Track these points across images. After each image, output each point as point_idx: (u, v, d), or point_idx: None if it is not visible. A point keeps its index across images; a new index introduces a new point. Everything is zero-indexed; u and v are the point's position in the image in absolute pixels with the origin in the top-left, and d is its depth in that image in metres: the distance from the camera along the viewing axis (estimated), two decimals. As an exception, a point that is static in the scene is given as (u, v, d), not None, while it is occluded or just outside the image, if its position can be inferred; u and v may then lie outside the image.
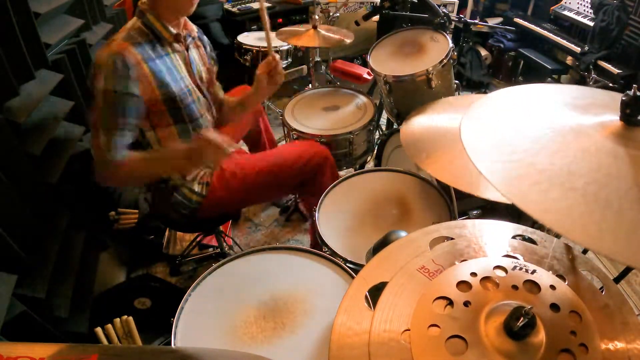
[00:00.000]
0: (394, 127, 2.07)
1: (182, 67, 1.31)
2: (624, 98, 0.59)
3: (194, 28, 1.38)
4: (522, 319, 0.54)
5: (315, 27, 2.17)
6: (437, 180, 1.37)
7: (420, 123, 1.31)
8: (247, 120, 1.82)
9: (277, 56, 1.44)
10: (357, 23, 2.12)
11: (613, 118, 0.62)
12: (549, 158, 0.59)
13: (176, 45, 1.28)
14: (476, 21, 2.05)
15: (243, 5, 3.22)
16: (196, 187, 1.40)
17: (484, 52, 3.82)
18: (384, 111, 2.10)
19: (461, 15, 2.05)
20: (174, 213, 1.42)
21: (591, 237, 0.50)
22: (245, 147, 2.01)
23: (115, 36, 1.19)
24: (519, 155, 0.61)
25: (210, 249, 2.02)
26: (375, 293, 0.66)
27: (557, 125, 0.65)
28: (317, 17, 2.24)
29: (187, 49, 1.34)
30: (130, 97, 1.15)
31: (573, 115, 0.67)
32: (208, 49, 1.47)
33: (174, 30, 1.26)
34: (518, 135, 0.65)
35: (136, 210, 1.92)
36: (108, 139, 1.14)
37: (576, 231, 0.51)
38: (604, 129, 0.62)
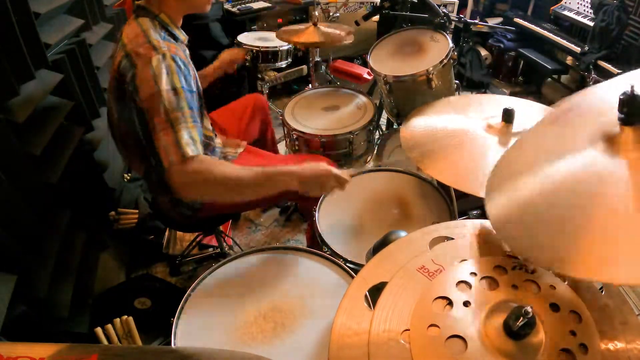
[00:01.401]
0: (394, 127, 2.07)
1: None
2: (621, 97, 0.59)
3: None
4: (521, 318, 0.54)
5: (315, 24, 2.17)
6: (437, 180, 1.37)
7: (420, 124, 1.31)
8: (255, 127, 1.84)
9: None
10: (357, 23, 2.11)
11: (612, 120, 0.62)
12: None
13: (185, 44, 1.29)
14: (476, 21, 2.05)
15: (243, 5, 3.21)
16: None
17: (484, 52, 3.82)
18: (384, 111, 2.10)
19: (461, 15, 2.05)
20: (175, 213, 1.42)
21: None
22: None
23: (148, 38, 1.11)
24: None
25: (210, 249, 2.02)
26: (375, 293, 0.66)
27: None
28: (317, 13, 2.23)
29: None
30: (192, 94, 1.11)
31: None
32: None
33: (184, 34, 1.27)
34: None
35: (136, 210, 1.93)
36: (186, 133, 1.05)
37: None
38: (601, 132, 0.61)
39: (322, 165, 1.15)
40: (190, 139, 1.05)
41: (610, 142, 0.59)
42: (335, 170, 1.15)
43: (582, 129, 0.65)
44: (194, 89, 1.15)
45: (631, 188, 0.53)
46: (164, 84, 1.05)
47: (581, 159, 0.60)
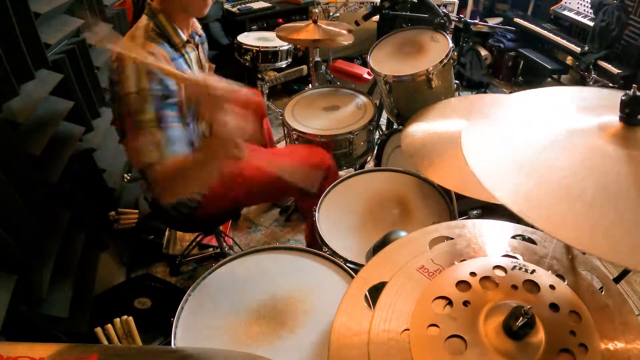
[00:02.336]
0: (394, 127, 2.07)
1: (195, 67, 1.31)
2: (623, 98, 0.59)
3: (198, 25, 1.37)
4: (521, 318, 0.54)
5: (315, 22, 2.17)
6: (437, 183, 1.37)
7: (420, 129, 1.31)
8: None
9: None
10: (357, 23, 2.11)
11: (613, 118, 0.62)
12: (550, 161, 0.59)
13: (187, 47, 1.28)
14: (476, 21, 2.05)
15: (243, 5, 3.22)
16: None
17: (484, 52, 3.82)
18: (384, 111, 2.10)
19: (461, 15, 2.05)
20: (173, 211, 1.42)
21: (590, 239, 0.50)
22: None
23: (132, 33, 1.13)
24: (518, 159, 0.61)
25: (210, 249, 2.02)
26: (374, 293, 0.66)
27: (557, 129, 0.65)
28: (317, 11, 2.23)
29: (197, 47, 1.34)
30: (168, 90, 1.09)
31: (572, 118, 0.67)
32: (206, 45, 1.47)
33: (184, 36, 1.24)
34: (519, 143, 0.65)
35: (136, 210, 1.92)
36: (155, 137, 1.04)
37: (575, 235, 0.51)
38: (603, 130, 0.61)
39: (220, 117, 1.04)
40: (151, 144, 1.04)
41: (613, 139, 0.59)
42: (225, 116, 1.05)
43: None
44: (171, 87, 1.09)
45: (630, 181, 0.53)
46: (131, 85, 1.04)
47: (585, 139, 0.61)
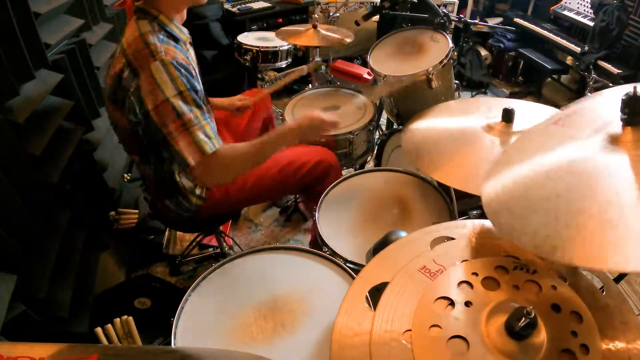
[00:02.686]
0: (394, 127, 2.07)
1: (195, 64, 1.31)
2: (624, 98, 0.59)
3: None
4: (523, 319, 0.54)
5: (315, 27, 2.17)
6: (437, 180, 1.37)
7: (420, 127, 1.31)
8: (258, 124, 1.84)
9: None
10: (357, 23, 2.11)
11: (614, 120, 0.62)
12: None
13: (188, 44, 1.29)
14: (476, 21, 2.05)
15: (243, 5, 3.21)
16: (197, 191, 1.39)
17: (484, 52, 3.82)
18: (384, 111, 2.10)
19: (461, 15, 2.05)
20: (173, 214, 1.43)
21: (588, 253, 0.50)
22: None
23: (146, 42, 1.10)
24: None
25: (210, 249, 2.02)
26: (375, 293, 0.66)
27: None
28: (316, 16, 2.24)
29: (191, 44, 1.34)
30: (197, 93, 1.14)
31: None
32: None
33: (186, 32, 1.26)
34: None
35: (136, 210, 1.92)
36: (201, 132, 1.11)
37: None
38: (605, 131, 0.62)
39: (312, 114, 1.31)
40: (205, 137, 1.12)
41: (612, 140, 0.59)
42: (323, 115, 1.32)
43: (584, 128, 0.65)
44: (198, 88, 1.16)
45: (634, 181, 0.53)
46: (170, 91, 1.08)
47: (582, 153, 0.61)
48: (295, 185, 1.52)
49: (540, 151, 0.69)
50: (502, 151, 0.76)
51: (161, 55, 1.09)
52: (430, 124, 1.30)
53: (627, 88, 0.59)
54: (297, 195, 2.22)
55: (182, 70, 1.11)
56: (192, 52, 1.33)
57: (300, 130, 1.28)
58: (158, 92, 1.07)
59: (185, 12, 1.27)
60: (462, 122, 1.20)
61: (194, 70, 1.22)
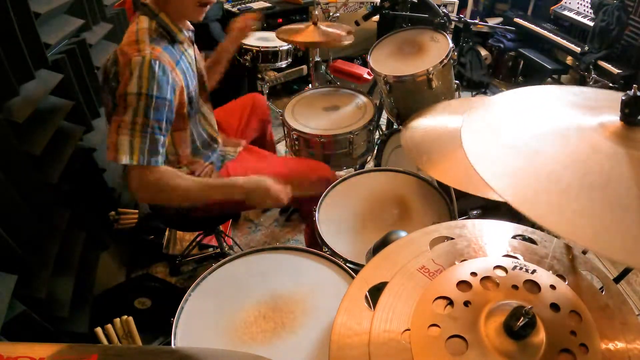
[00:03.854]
0: (394, 127, 2.07)
1: (193, 64, 1.32)
2: (623, 98, 0.59)
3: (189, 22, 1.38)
4: (522, 318, 0.54)
5: (315, 23, 2.17)
6: (437, 180, 1.37)
7: (420, 126, 1.31)
8: (254, 126, 1.83)
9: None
10: (357, 23, 2.11)
11: (613, 118, 0.62)
12: (550, 159, 0.59)
13: (185, 44, 1.29)
14: (476, 21, 2.05)
15: (243, 5, 3.22)
16: None
17: (484, 52, 3.82)
18: (384, 111, 2.10)
19: (461, 15, 2.05)
20: (174, 210, 1.42)
21: (590, 238, 0.50)
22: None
23: (137, 37, 1.12)
24: (519, 157, 0.61)
25: (210, 249, 2.02)
26: (375, 293, 0.66)
27: (557, 126, 0.65)
28: (317, 13, 2.23)
29: (192, 43, 1.34)
30: (165, 102, 1.11)
31: (573, 115, 0.67)
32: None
33: (186, 33, 1.26)
34: (518, 137, 0.65)
35: (136, 210, 1.93)
36: (141, 142, 1.08)
37: (576, 232, 0.51)
38: (604, 129, 0.61)
39: (265, 181, 1.24)
40: (129, 146, 1.07)
41: (613, 138, 0.59)
42: (275, 187, 1.25)
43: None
44: (167, 97, 1.12)
45: (632, 181, 0.53)
46: (133, 87, 1.06)
47: (585, 138, 0.61)
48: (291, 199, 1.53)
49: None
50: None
51: (145, 52, 1.09)
52: (430, 122, 1.30)
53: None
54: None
55: (159, 73, 1.08)
56: (191, 51, 1.33)
57: (246, 192, 1.23)
58: (126, 83, 1.07)
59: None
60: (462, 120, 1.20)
61: (184, 73, 1.22)
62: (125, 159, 1.06)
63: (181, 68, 1.21)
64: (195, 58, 1.36)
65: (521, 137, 0.64)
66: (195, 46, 1.40)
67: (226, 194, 1.22)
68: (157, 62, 1.08)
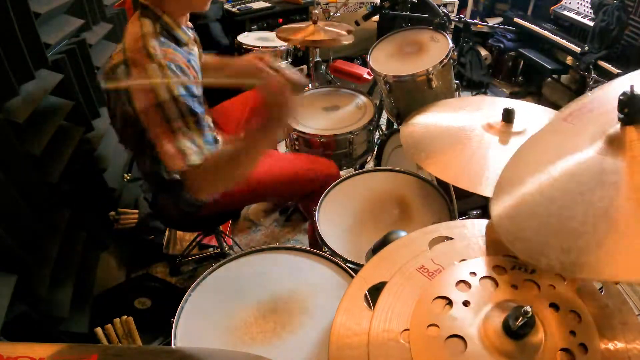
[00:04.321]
0: (394, 127, 2.07)
1: (199, 62, 1.31)
2: (621, 97, 0.59)
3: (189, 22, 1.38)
4: (521, 318, 0.54)
5: (315, 22, 2.16)
6: (437, 180, 1.37)
7: (420, 122, 1.32)
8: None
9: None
10: (357, 23, 2.11)
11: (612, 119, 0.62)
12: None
13: (189, 44, 1.28)
14: (476, 21, 2.05)
15: (243, 5, 3.22)
16: None
17: (484, 52, 3.82)
18: (384, 111, 2.10)
19: (461, 15, 2.05)
20: (175, 210, 1.42)
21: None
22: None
23: (145, 43, 1.09)
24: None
25: (210, 249, 2.02)
26: (374, 293, 0.66)
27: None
28: (317, 12, 2.22)
29: (195, 42, 1.34)
30: (193, 98, 1.09)
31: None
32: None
33: (190, 33, 1.25)
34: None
35: (136, 210, 1.93)
36: (188, 140, 1.06)
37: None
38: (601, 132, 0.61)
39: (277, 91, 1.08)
40: (194, 146, 1.07)
41: (612, 142, 0.59)
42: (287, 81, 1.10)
43: (584, 131, 0.65)
44: (196, 93, 1.12)
45: (630, 186, 0.53)
46: (163, 95, 1.04)
47: (583, 159, 0.60)
48: (296, 193, 1.53)
49: (544, 158, 0.67)
50: (508, 160, 0.74)
51: (158, 58, 1.06)
52: (430, 119, 1.30)
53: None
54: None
55: (179, 73, 1.08)
56: (196, 50, 1.32)
57: (266, 115, 1.10)
58: (150, 95, 1.04)
59: (188, 14, 1.26)
60: (462, 119, 1.21)
61: (196, 72, 1.21)
62: (197, 159, 1.05)
63: (193, 67, 1.20)
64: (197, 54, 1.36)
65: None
66: (199, 44, 1.40)
67: (264, 134, 1.13)
68: (173, 64, 1.08)
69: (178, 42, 1.20)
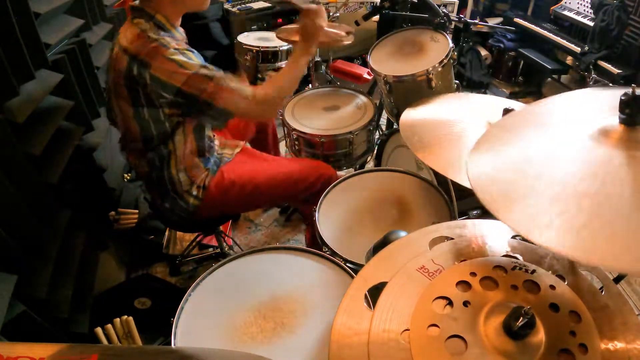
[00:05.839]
0: (394, 127, 2.07)
1: None
2: (622, 98, 0.59)
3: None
4: (521, 318, 0.54)
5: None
6: (437, 180, 1.37)
7: (419, 114, 1.33)
8: (252, 123, 1.82)
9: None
10: (357, 23, 2.11)
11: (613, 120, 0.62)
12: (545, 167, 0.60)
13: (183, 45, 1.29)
14: (476, 21, 2.05)
15: (243, 5, 3.22)
16: (194, 191, 1.39)
17: (484, 52, 3.82)
18: (384, 111, 2.10)
19: (461, 15, 2.05)
20: (171, 215, 1.43)
21: (588, 248, 0.50)
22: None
23: (149, 36, 1.14)
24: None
25: (210, 249, 2.02)
26: (374, 293, 0.66)
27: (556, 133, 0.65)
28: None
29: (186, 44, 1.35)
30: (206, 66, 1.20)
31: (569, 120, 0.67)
32: None
33: (182, 32, 1.27)
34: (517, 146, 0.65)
35: (136, 210, 1.93)
36: (234, 83, 1.21)
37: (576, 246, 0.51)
38: (604, 132, 0.61)
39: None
40: (239, 84, 1.22)
41: (609, 137, 0.59)
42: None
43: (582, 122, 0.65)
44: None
45: (630, 183, 0.53)
46: (193, 67, 1.15)
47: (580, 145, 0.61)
48: (292, 198, 1.55)
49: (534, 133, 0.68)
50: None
51: (172, 44, 1.15)
52: (430, 110, 1.31)
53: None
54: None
55: (194, 51, 1.20)
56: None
57: (306, 34, 1.44)
58: (183, 70, 1.14)
59: (180, 18, 1.28)
60: (462, 114, 1.21)
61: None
62: (249, 91, 1.24)
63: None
64: None
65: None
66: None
67: (303, 55, 1.45)
68: (179, 50, 1.15)
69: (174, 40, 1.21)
